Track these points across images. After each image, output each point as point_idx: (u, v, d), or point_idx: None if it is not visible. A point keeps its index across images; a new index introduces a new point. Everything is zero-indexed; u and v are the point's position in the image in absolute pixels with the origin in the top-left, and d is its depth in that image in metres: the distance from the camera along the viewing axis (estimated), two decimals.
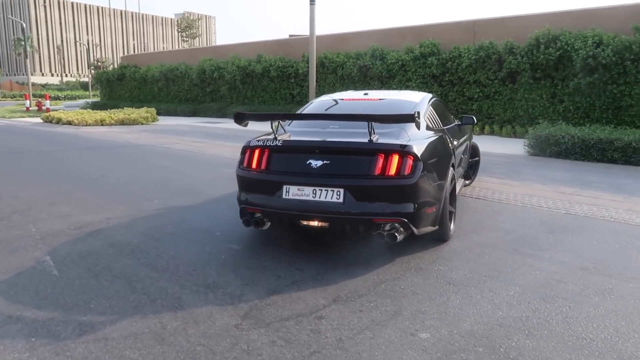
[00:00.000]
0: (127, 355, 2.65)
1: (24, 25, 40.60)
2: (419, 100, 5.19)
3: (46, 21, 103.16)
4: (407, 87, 16.94)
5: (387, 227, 3.85)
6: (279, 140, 4.12)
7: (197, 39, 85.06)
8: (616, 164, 9.41)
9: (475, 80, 15.60)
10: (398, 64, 17.17)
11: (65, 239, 4.63)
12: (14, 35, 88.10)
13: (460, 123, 6.34)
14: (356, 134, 4.10)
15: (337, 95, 5.71)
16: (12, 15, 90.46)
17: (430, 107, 5.23)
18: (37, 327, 2.94)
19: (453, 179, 4.81)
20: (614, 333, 2.91)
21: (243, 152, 4.34)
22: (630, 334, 2.91)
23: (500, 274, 3.83)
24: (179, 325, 2.97)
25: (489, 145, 12.71)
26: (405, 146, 3.86)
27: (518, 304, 3.29)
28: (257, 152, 4.21)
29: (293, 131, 4.55)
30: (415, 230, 3.93)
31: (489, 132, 15.31)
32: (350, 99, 5.44)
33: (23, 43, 44.41)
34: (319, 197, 3.87)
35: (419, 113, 4.10)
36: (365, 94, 5.61)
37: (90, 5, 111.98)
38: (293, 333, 2.89)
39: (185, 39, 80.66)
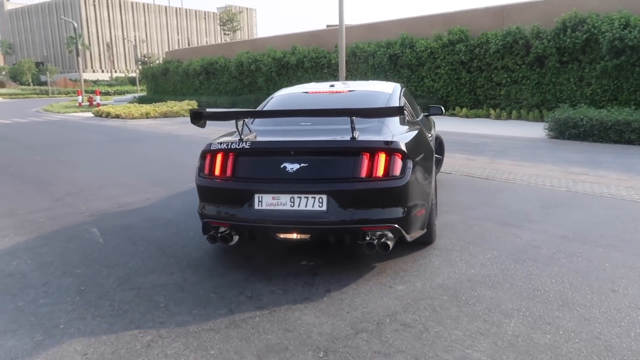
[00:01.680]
0: (155, 299, 3.31)
1: (75, 24, 42.73)
2: (391, 90, 4.76)
3: (96, 20, 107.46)
4: (435, 74, 17.16)
5: (377, 236, 3.40)
6: (245, 141, 3.59)
7: (238, 32, 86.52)
8: (633, 145, 9.51)
9: (503, 65, 15.69)
10: (427, 51, 17.42)
11: (110, 215, 5.39)
12: (66, 34, 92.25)
13: (427, 114, 5.89)
14: (334, 131, 3.67)
15: (300, 88, 5.19)
16: (64, 16, 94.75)
17: (404, 98, 4.83)
18: (85, 280, 3.65)
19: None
20: (568, 287, 3.34)
21: (202, 157, 3.75)
22: (581, 287, 3.33)
23: (484, 241, 4.27)
24: (198, 279, 3.62)
25: (511, 129, 12.86)
26: (391, 142, 3.44)
27: (490, 265, 3.75)
28: (219, 156, 3.63)
29: (259, 130, 3.99)
30: (407, 236, 3.56)
31: (516, 117, 15.39)
32: (316, 91, 4.93)
33: (75, 41, 46.77)
34: (298, 206, 3.41)
35: (403, 106, 4.10)
36: (332, 85, 5.09)
37: (136, 3, 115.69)
38: (290, 285, 3.48)
39: (226, 32, 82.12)
